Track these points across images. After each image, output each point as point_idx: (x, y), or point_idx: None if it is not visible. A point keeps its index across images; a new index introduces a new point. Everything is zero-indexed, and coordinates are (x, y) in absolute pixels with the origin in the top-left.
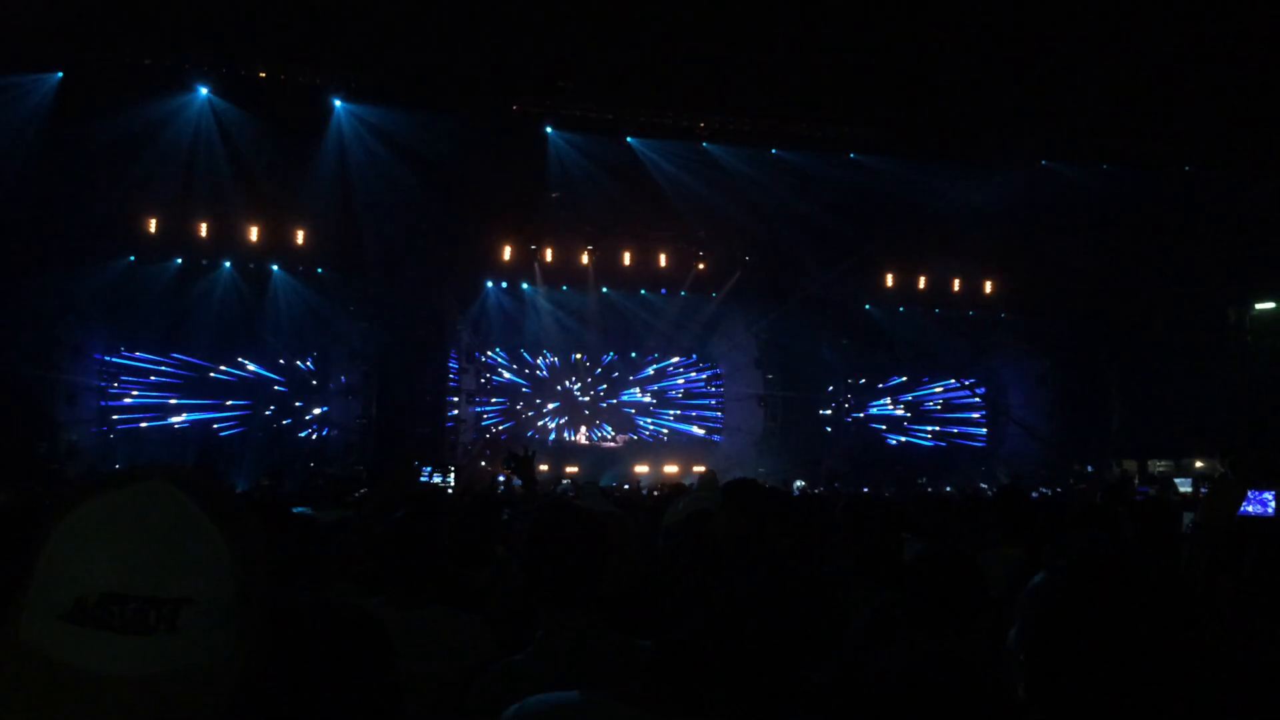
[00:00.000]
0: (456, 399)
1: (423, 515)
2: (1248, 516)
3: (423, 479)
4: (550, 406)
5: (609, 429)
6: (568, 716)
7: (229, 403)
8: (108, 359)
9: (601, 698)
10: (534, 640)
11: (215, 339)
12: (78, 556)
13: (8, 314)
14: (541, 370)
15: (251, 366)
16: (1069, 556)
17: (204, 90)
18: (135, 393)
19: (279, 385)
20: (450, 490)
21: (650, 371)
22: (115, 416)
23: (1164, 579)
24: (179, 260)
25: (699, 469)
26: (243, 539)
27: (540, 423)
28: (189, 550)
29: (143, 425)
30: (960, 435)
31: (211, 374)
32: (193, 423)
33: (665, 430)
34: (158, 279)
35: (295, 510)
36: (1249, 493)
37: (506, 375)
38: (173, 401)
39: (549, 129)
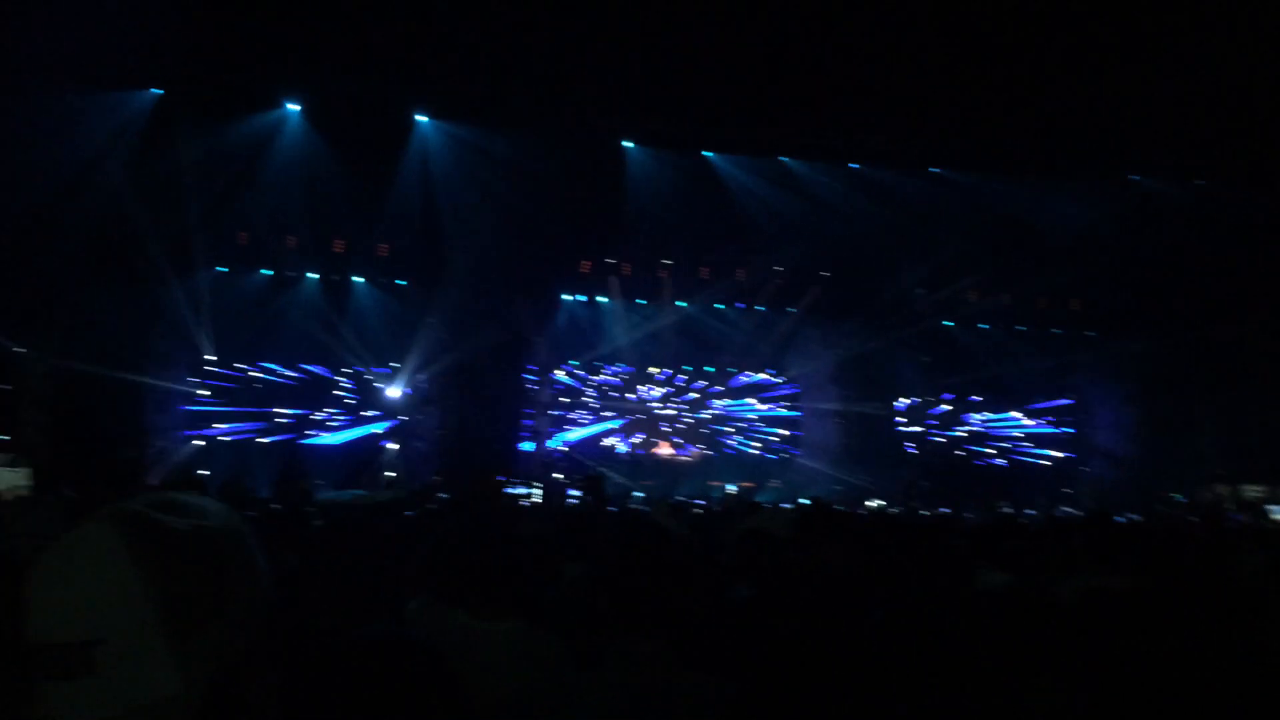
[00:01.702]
0: (533, 411)
1: (505, 528)
2: None
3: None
4: (625, 420)
5: (684, 444)
6: None
7: (313, 414)
8: (198, 367)
9: None
10: (603, 662)
11: (300, 350)
12: (27, 609)
13: (102, 323)
14: (617, 384)
15: (334, 377)
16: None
17: (293, 106)
18: (223, 401)
19: (359, 396)
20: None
21: (725, 387)
22: (201, 425)
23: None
24: (267, 272)
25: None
26: (171, 572)
27: (615, 436)
28: (96, 592)
29: (231, 427)
30: (1042, 456)
31: (296, 384)
32: (278, 431)
33: (739, 446)
34: (246, 290)
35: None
36: None
37: (584, 388)
38: (258, 411)
39: (626, 143)
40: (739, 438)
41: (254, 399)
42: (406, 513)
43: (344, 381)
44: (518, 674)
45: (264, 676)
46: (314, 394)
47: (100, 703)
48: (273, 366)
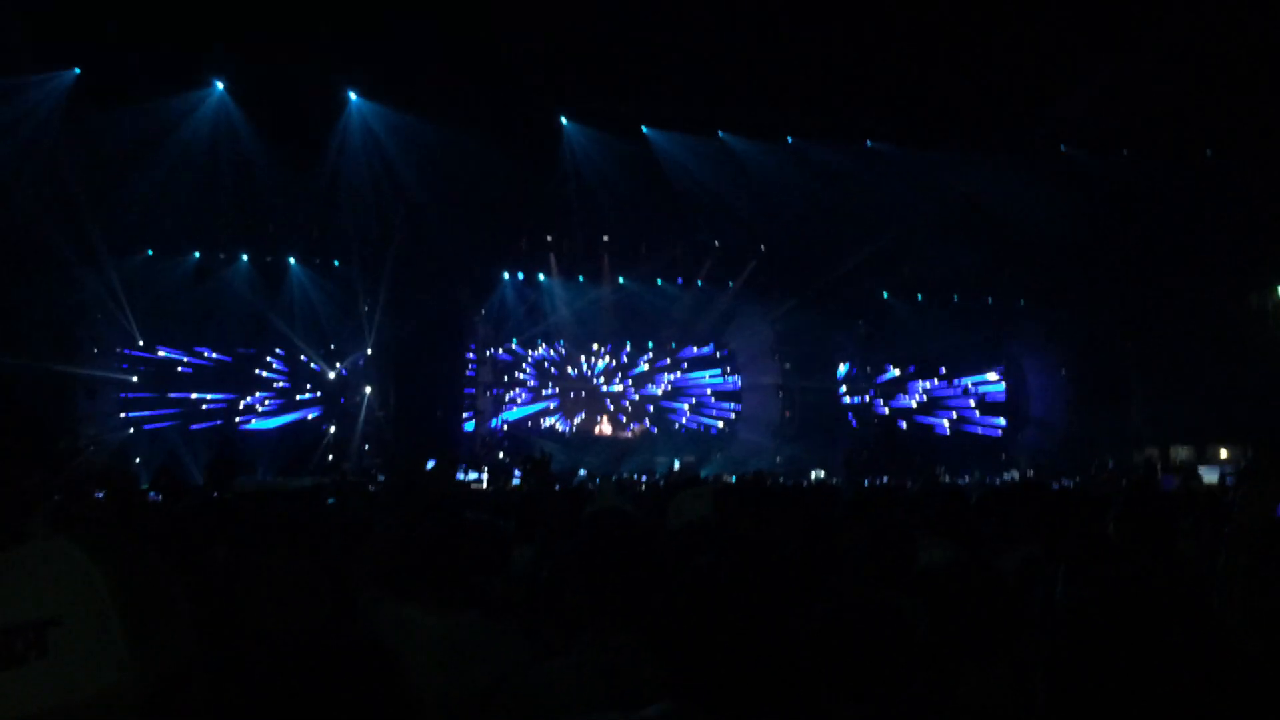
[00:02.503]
0: (474, 391)
1: (458, 518)
2: None
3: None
4: (567, 398)
5: (625, 420)
6: None
7: (246, 397)
8: (127, 353)
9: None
10: (571, 652)
11: (232, 333)
12: None
13: (28, 310)
14: (558, 361)
15: (268, 360)
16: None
17: (220, 84)
18: (154, 387)
19: (295, 379)
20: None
21: (666, 361)
22: (134, 412)
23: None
24: (196, 254)
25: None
26: (121, 558)
27: (557, 414)
28: (49, 573)
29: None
30: (979, 424)
31: (229, 368)
32: (211, 416)
33: (682, 421)
34: (176, 273)
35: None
36: None
37: (521, 367)
38: (192, 396)
39: (564, 120)
40: (682, 413)
41: (186, 384)
42: (329, 500)
43: (278, 365)
44: (480, 667)
45: (203, 677)
46: (248, 378)
47: (50, 690)
48: (204, 351)
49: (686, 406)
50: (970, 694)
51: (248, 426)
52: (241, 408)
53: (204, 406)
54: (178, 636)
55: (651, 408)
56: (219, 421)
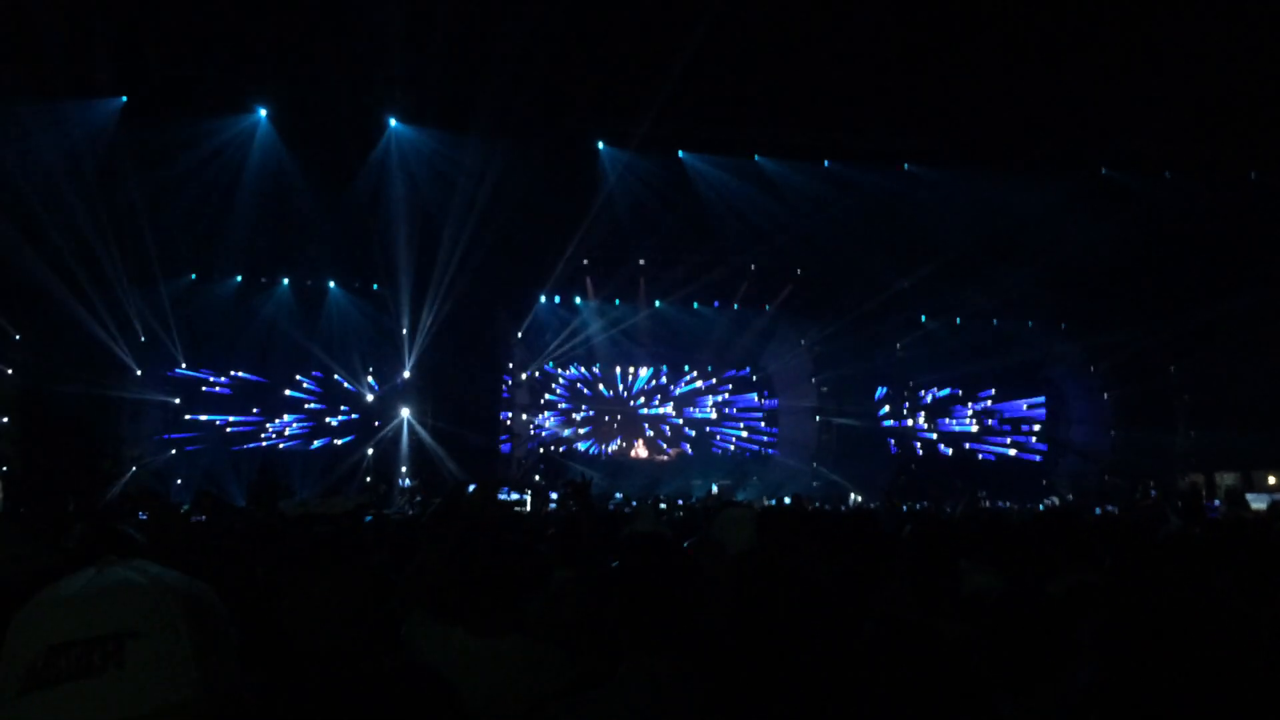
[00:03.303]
0: (510, 414)
1: (501, 540)
2: None
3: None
4: (602, 420)
5: (661, 443)
6: None
7: (288, 419)
8: (169, 375)
9: None
10: (613, 675)
11: (273, 356)
12: (29, 628)
13: (73, 334)
14: (593, 384)
15: (308, 384)
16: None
17: (262, 111)
18: (196, 408)
19: (333, 401)
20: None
21: (703, 384)
22: (176, 434)
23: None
24: (239, 278)
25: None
26: (182, 583)
27: (592, 437)
28: (127, 591)
29: (207, 434)
30: (1019, 449)
31: (269, 390)
32: (253, 438)
33: (719, 444)
34: (218, 296)
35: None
36: None
37: (558, 389)
38: (232, 418)
39: (601, 144)
40: (718, 436)
41: (227, 407)
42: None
43: (317, 387)
44: (523, 690)
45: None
46: (288, 401)
47: (123, 701)
48: (245, 374)
49: (723, 430)
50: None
51: (288, 448)
52: (281, 430)
53: (245, 429)
54: (233, 663)
55: (688, 431)
56: (259, 443)
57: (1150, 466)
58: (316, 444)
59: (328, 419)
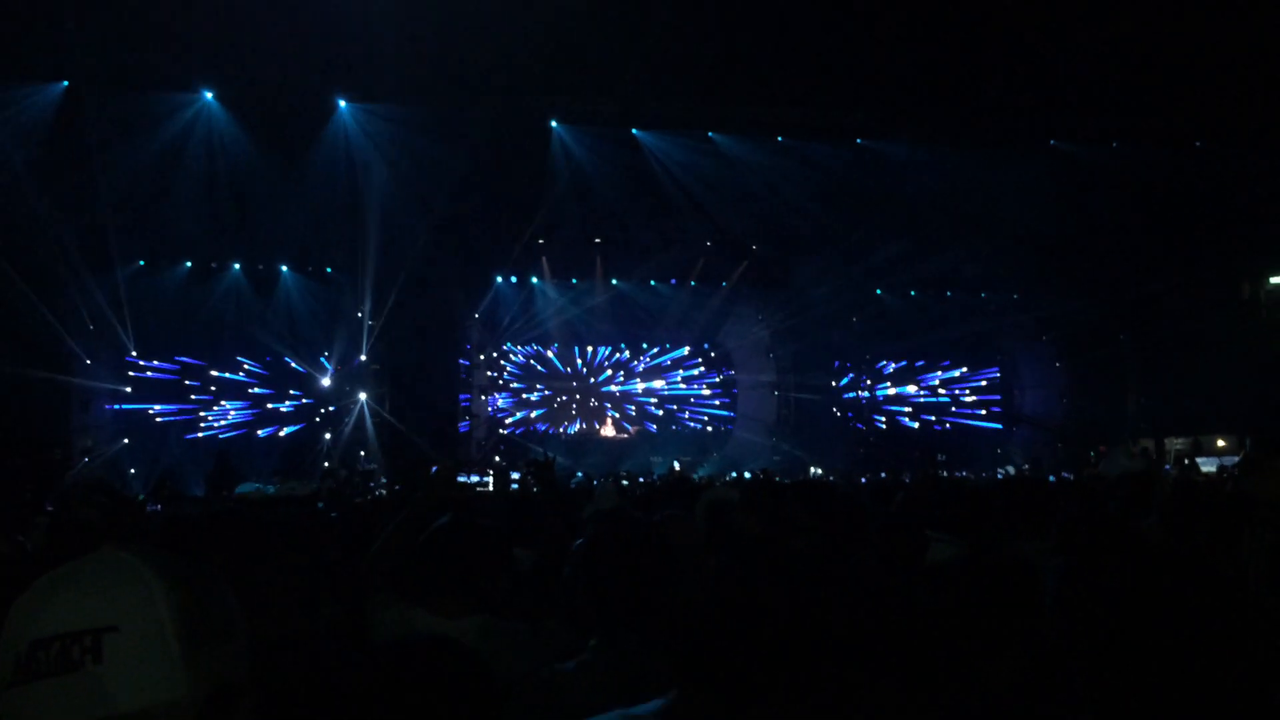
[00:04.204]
0: (469, 395)
1: (466, 520)
2: None
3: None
4: (561, 399)
5: (621, 421)
6: None
7: (241, 405)
8: (120, 363)
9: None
10: (584, 652)
11: (226, 341)
12: (19, 620)
13: (19, 322)
14: (552, 363)
15: (260, 369)
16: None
17: (208, 94)
18: (147, 397)
19: (289, 387)
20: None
21: (663, 362)
22: (127, 423)
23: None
24: (188, 264)
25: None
26: (179, 573)
27: (551, 416)
28: (109, 584)
29: (160, 423)
30: (974, 420)
31: (223, 376)
32: (206, 425)
33: (678, 421)
34: (168, 283)
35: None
36: None
37: (517, 369)
38: (185, 405)
39: (554, 123)
40: (678, 413)
41: (179, 394)
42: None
43: (271, 373)
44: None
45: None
46: (241, 387)
47: (103, 698)
48: (197, 361)
49: (682, 407)
50: (988, 682)
51: (243, 435)
52: (235, 416)
53: (197, 416)
54: (232, 654)
55: (648, 408)
56: (213, 431)
57: (1101, 433)
58: (269, 431)
59: (276, 405)
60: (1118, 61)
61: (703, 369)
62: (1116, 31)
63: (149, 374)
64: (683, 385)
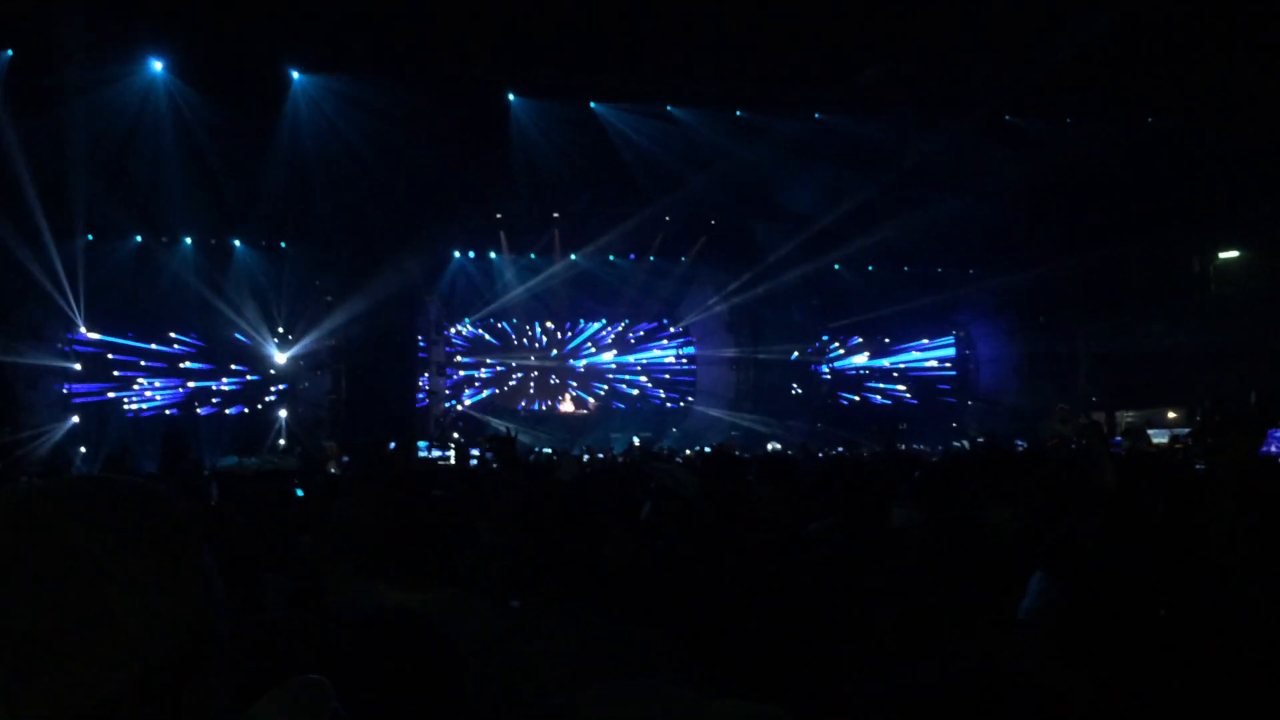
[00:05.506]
0: (427, 373)
1: (424, 494)
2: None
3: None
4: (521, 375)
5: (581, 396)
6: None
7: (194, 382)
8: (69, 339)
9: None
10: (534, 623)
11: (177, 317)
12: None
13: None
14: (511, 339)
15: (215, 344)
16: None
17: (159, 65)
18: (98, 373)
19: (241, 363)
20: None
21: (624, 338)
22: (78, 400)
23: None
24: (139, 238)
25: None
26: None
27: (511, 392)
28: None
29: (109, 400)
30: (930, 393)
31: (175, 352)
32: (158, 401)
33: (637, 396)
34: (117, 257)
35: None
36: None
37: (475, 345)
38: (139, 381)
39: (511, 95)
40: (637, 388)
41: (130, 371)
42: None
43: (224, 350)
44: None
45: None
46: (192, 364)
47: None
48: (148, 337)
49: (642, 381)
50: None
51: (196, 411)
52: (188, 394)
53: (148, 393)
54: (127, 644)
55: (607, 384)
56: (165, 408)
57: (1053, 406)
58: (208, 410)
59: (219, 382)
60: (1072, 38)
61: (662, 344)
62: (1071, 7)
63: (91, 349)
64: (643, 360)
